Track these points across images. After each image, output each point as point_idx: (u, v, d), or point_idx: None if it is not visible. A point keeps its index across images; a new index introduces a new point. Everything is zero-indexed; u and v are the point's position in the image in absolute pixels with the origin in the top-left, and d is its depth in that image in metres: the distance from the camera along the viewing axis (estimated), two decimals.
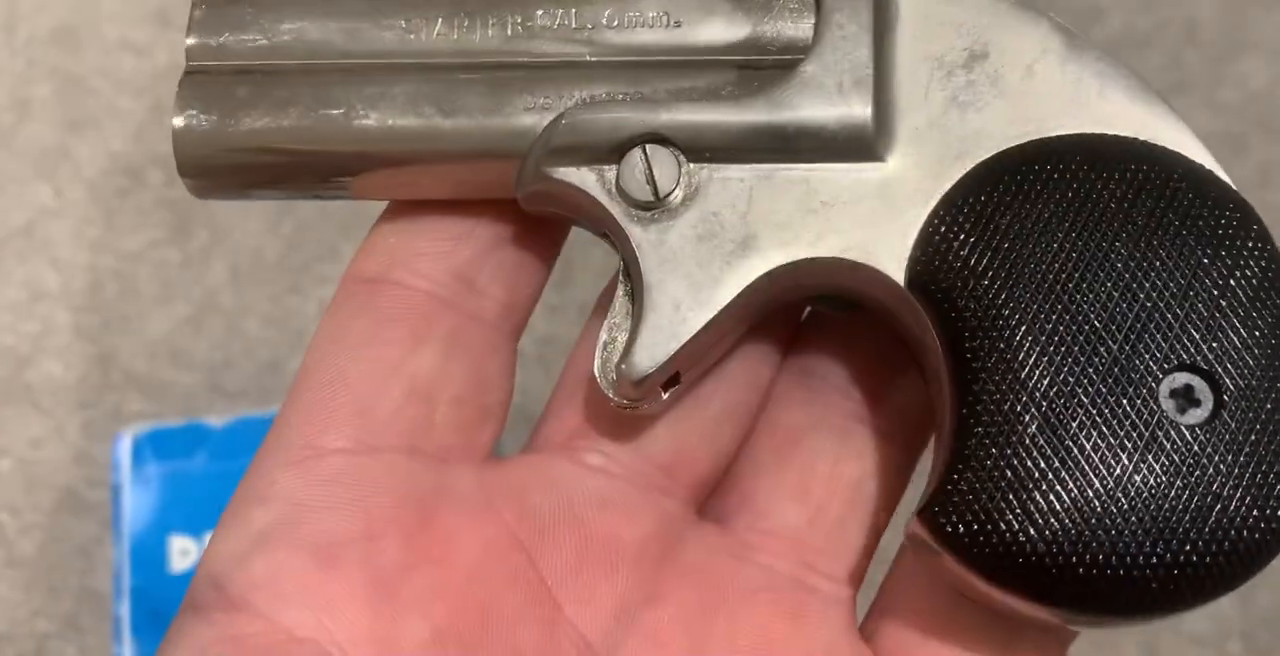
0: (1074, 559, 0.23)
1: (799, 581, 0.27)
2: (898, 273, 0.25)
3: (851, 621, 0.27)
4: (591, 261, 0.52)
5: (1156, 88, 0.26)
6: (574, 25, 0.26)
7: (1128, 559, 0.23)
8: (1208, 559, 0.23)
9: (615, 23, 0.26)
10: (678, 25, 0.26)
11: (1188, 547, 0.23)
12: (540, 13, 0.26)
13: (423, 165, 0.26)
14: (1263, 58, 0.56)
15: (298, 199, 0.27)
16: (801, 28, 0.26)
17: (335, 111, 0.25)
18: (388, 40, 0.26)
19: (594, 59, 0.26)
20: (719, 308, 0.25)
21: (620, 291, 0.26)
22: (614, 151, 0.25)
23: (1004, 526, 0.23)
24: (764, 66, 0.25)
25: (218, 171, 0.26)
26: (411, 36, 0.26)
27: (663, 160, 0.25)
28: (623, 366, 0.25)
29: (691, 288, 0.25)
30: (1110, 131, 0.25)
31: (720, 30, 0.26)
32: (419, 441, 0.26)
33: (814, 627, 0.27)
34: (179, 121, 0.26)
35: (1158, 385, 0.24)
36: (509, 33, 0.26)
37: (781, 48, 0.26)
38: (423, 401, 0.26)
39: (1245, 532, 0.23)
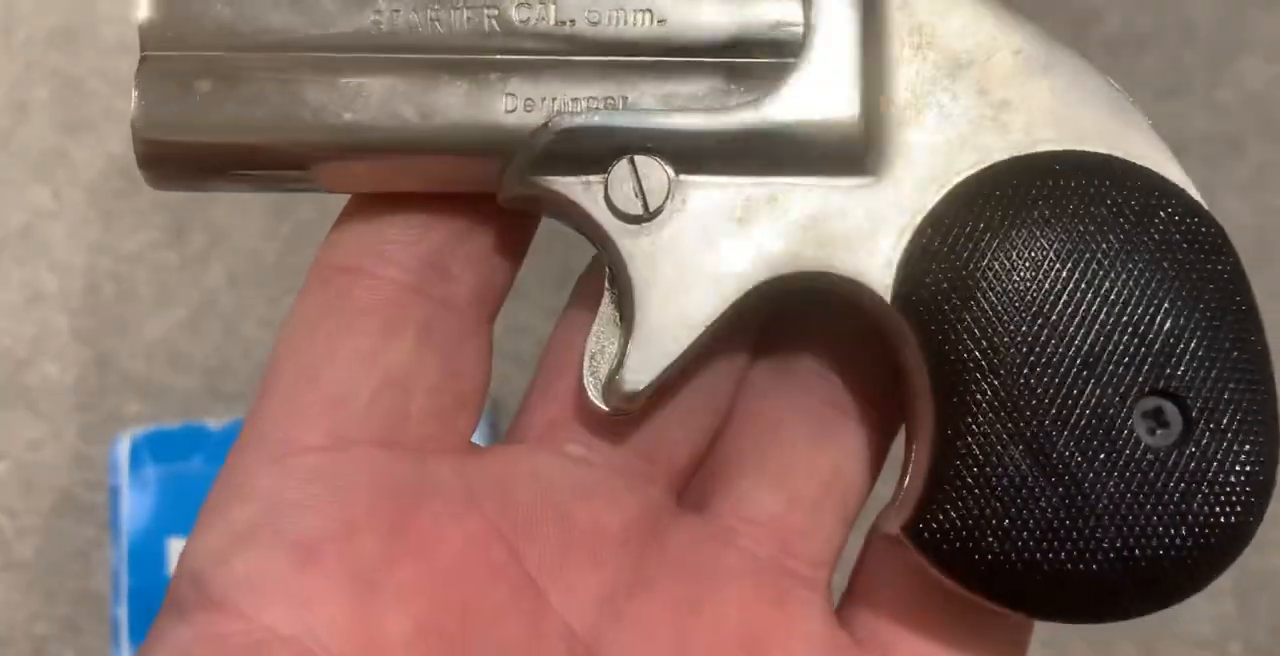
0: (1050, 572, 0.24)
1: (779, 566, 0.27)
2: (884, 289, 0.25)
3: (829, 604, 0.27)
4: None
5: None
6: (553, 21, 0.25)
7: (1099, 572, 0.24)
8: (1174, 569, 0.24)
9: (597, 20, 0.25)
10: (662, 22, 0.25)
11: (1155, 561, 0.24)
12: (516, 7, 0.25)
13: (398, 163, 0.25)
14: (1261, 58, 0.56)
15: (263, 192, 0.26)
16: (789, 31, 0.25)
17: (307, 111, 0.24)
18: (357, 32, 0.25)
19: (576, 58, 0.25)
20: (709, 322, 0.25)
21: (606, 299, 0.26)
22: (600, 161, 0.25)
23: (984, 545, 0.24)
24: (751, 70, 0.25)
25: (179, 165, 0.25)
26: (383, 28, 0.25)
27: (651, 172, 0.25)
28: (615, 380, 0.25)
29: (681, 304, 0.25)
30: (1089, 148, 0.25)
31: (706, 29, 0.25)
32: (397, 433, 0.25)
33: (795, 611, 0.27)
34: (137, 113, 0.25)
35: (1133, 407, 0.24)
36: (485, 28, 0.25)
37: (769, 50, 0.25)
38: (399, 392, 0.26)
39: (1207, 540, 0.24)
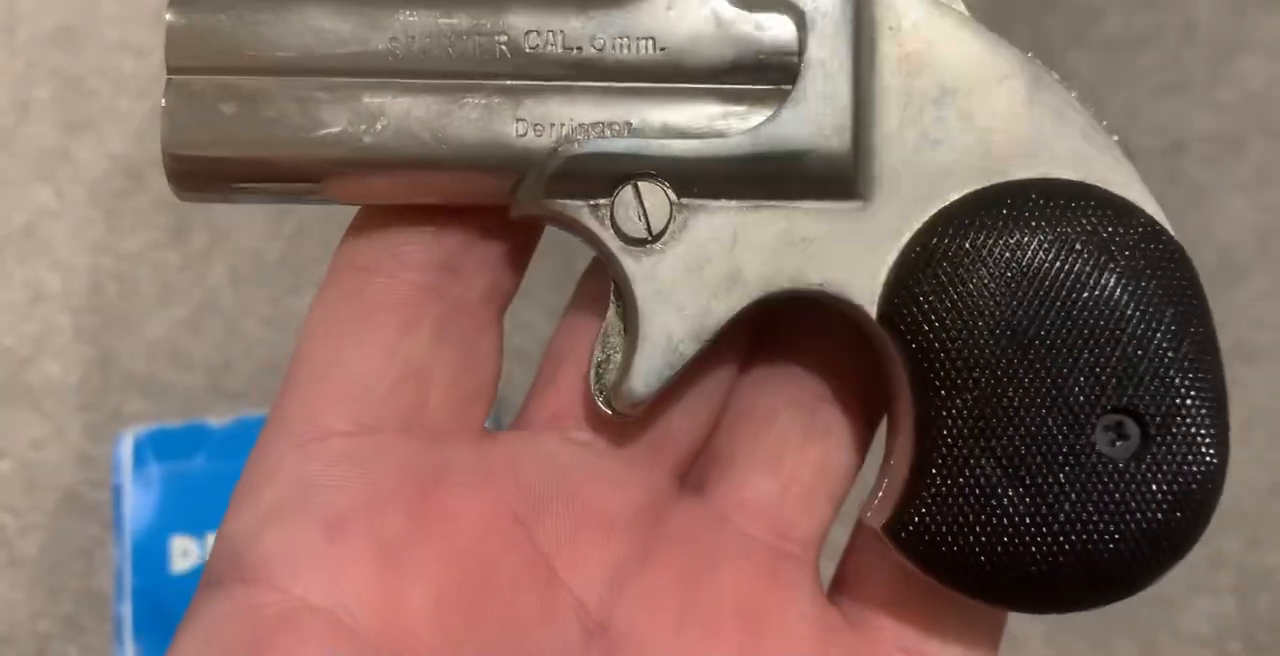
0: (1017, 571, 0.26)
1: (774, 548, 0.29)
2: (870, 307, 0.26)
3: (819, 584, 0.29)
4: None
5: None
6: (561, 48, 0.26)
7: (1062, 571, 0.26)
8: (1129, 567, 0.26)
9: (602, 47, 0.26)
10: (664, 50, 0.26)
11: (1112, 561, 0.26)
12: (525, 34, 0.26)
13: (414, 181, 0.26)
14: (1261, 58, 0.56)
15: (283, 203, 0.28)
16: (784, 58, 0.26)
17: (327, 133, 0.26)
18: (373, 57, 0.26)
19: (582, 84, 0.26)
20: (709, 336, 0.27)
21: (612, 311, 0.27)
22: (606, 185, 0.26)
23: (957, 547, 0.26)
24: (749, 96, 0.26)
25: (205, 181, 0.27)
26: (399, 54, 0.26)
27: (654, 197, 0.26)
28: (621, 389, 0.27)
29: (683, 319, 0.26)
30: (1065, 174, 0.27)
31: (706, 57, 0.26)
32: (416, 422, 0.27)
33: (788, 590, 0.28)
34: (166, 132, 0.26)
35: (1096, 423, 0.26)
36: (496, 54, 0.26)
37: (766, 76, 0.26)
38: (417, 384, 0.27)
39: (1159, 542, 0.26)
